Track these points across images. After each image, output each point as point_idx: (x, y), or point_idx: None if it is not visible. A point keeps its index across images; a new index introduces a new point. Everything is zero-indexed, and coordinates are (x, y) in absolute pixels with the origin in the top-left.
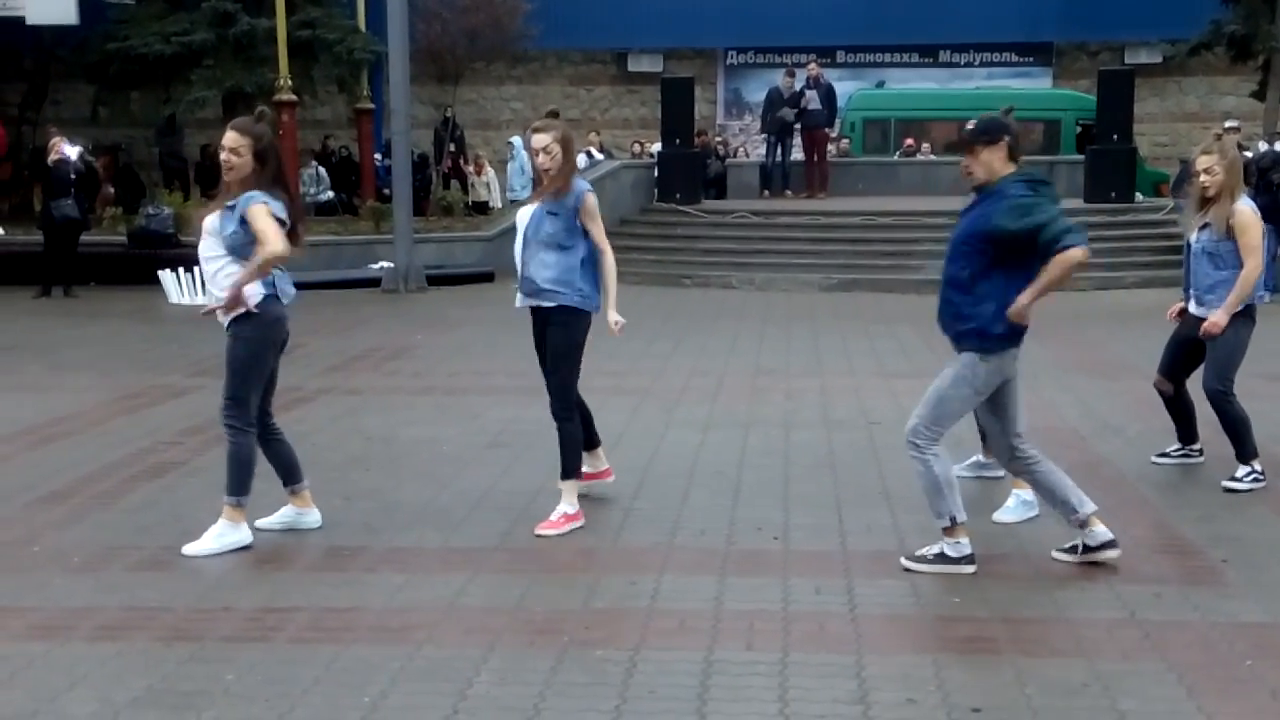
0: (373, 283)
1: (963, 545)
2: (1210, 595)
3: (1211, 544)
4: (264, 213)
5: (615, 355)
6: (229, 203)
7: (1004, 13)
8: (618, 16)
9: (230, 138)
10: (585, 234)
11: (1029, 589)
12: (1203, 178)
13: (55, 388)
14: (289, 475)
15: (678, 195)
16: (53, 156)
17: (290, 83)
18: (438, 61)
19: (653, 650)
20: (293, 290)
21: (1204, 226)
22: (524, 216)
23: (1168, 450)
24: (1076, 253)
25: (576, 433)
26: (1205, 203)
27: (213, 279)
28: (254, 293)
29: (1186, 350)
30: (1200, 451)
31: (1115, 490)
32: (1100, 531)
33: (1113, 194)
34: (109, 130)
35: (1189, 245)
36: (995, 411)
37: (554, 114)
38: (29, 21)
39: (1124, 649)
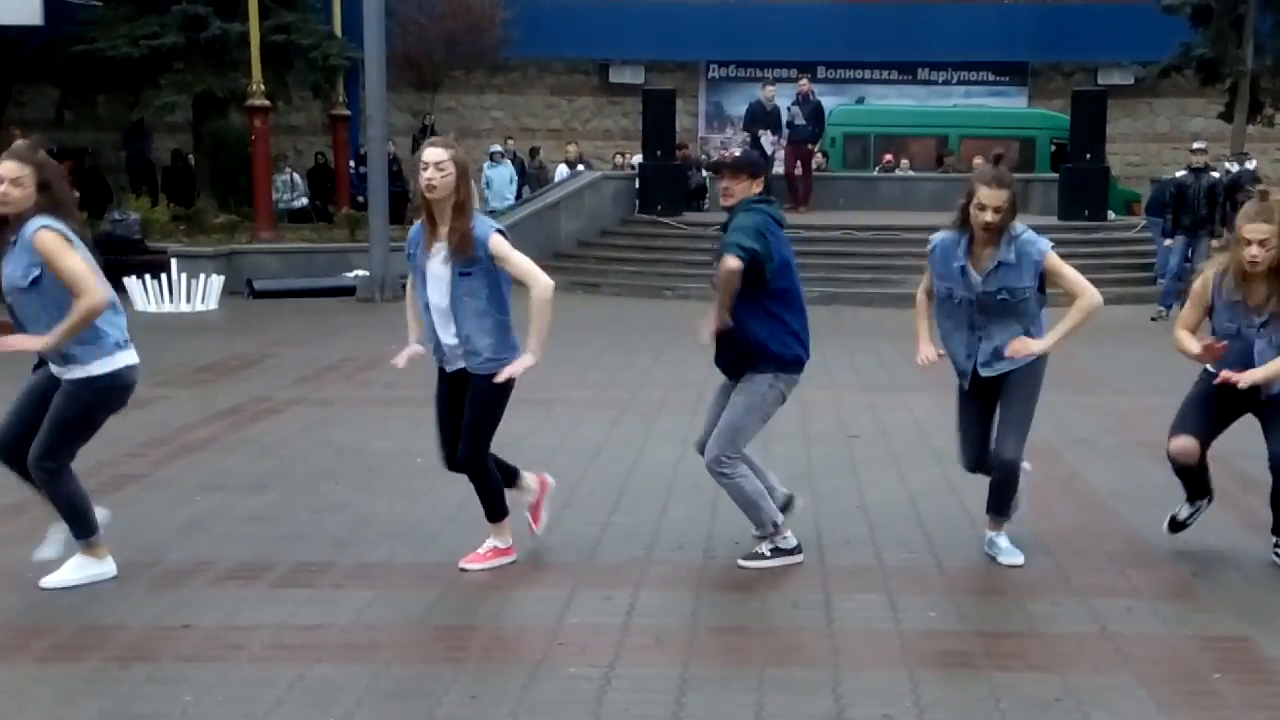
0: (347, 291)
1: (790, 538)
2: (1180, 609)
3: (1181, 558)
4: (62, 245)
5: (595, 368)
6: (11, 238)
7: (981, 33)
8: (600, 28)
9: (9, 167)
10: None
11: (1004, 604)
12: (1253, 250)
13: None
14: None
15: (659, 207)
16: None
17: (263, 88)
18: (416, 69)
19: (627, 667)
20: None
21: (1265, 323)
22: (435, 275)
23: (1185, 520)
24: (727, 260)
25: (493, 479)
26: (1250, 278)
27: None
28: (110, 361)
29: (1224, 414)
30: (1211, 499)
31: (1087, 504)
32: (791, 535)
33: (1086, 212)
34: (75, 134)
35: (1236, 322)
36: (716, 419)
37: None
38: None
39: (1096, 663)
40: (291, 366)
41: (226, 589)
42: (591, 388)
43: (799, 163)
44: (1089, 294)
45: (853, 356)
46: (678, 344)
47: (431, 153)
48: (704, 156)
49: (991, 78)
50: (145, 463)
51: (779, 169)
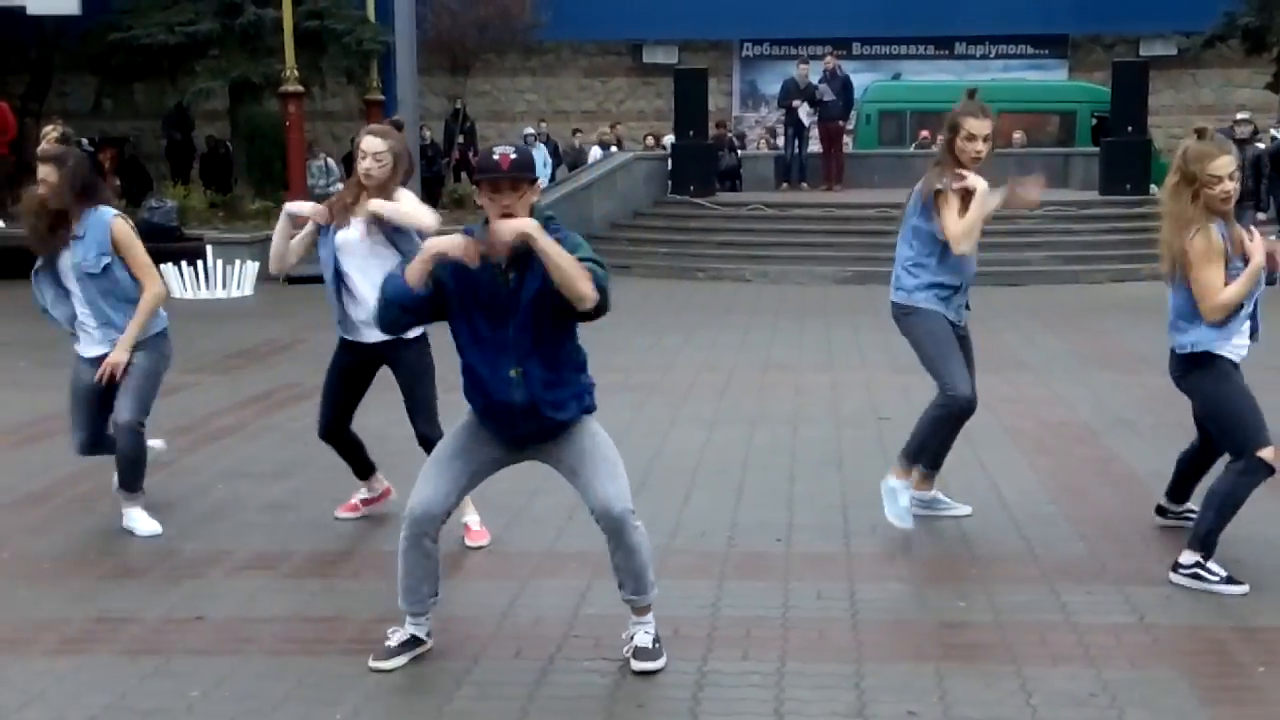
0: None
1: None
2: (1223, 598)
3: (1225, 543)
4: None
5: (624, 350)
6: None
7: (1019, 5)
8: (632, 8)
9: (373, 143)
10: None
11: (1036, 593)
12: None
13: (45, 385)
14: None
15: (691, 187)
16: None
17: (297, 74)
18: (449, 53)
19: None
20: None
21: None
22: (353, 248)
23: (1185, 510)
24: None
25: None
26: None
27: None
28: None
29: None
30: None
31: (1125, 487)
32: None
33: (1128, 186)
34: (115, 122)
35: None
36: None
37: (398, 125)
38: (30, 12)
39: (1133, 656)
40: (323, 352)
41: (242, 579)
42: (619, 370)
43: (828, 141)
44: None
45: (886, 337)
46: (709, 325)
47: (373, 142)
48: (734, 137)
49: (1030, 51)
50: (171, 450)
51: (815, 146)
